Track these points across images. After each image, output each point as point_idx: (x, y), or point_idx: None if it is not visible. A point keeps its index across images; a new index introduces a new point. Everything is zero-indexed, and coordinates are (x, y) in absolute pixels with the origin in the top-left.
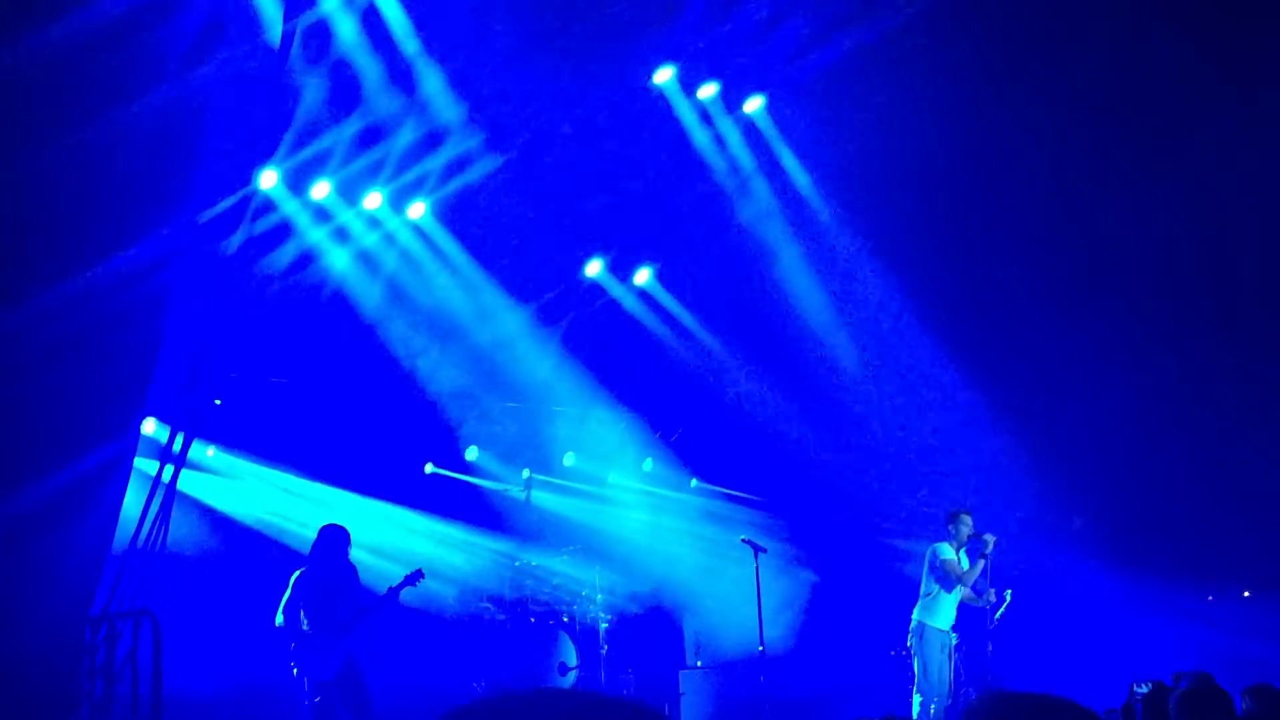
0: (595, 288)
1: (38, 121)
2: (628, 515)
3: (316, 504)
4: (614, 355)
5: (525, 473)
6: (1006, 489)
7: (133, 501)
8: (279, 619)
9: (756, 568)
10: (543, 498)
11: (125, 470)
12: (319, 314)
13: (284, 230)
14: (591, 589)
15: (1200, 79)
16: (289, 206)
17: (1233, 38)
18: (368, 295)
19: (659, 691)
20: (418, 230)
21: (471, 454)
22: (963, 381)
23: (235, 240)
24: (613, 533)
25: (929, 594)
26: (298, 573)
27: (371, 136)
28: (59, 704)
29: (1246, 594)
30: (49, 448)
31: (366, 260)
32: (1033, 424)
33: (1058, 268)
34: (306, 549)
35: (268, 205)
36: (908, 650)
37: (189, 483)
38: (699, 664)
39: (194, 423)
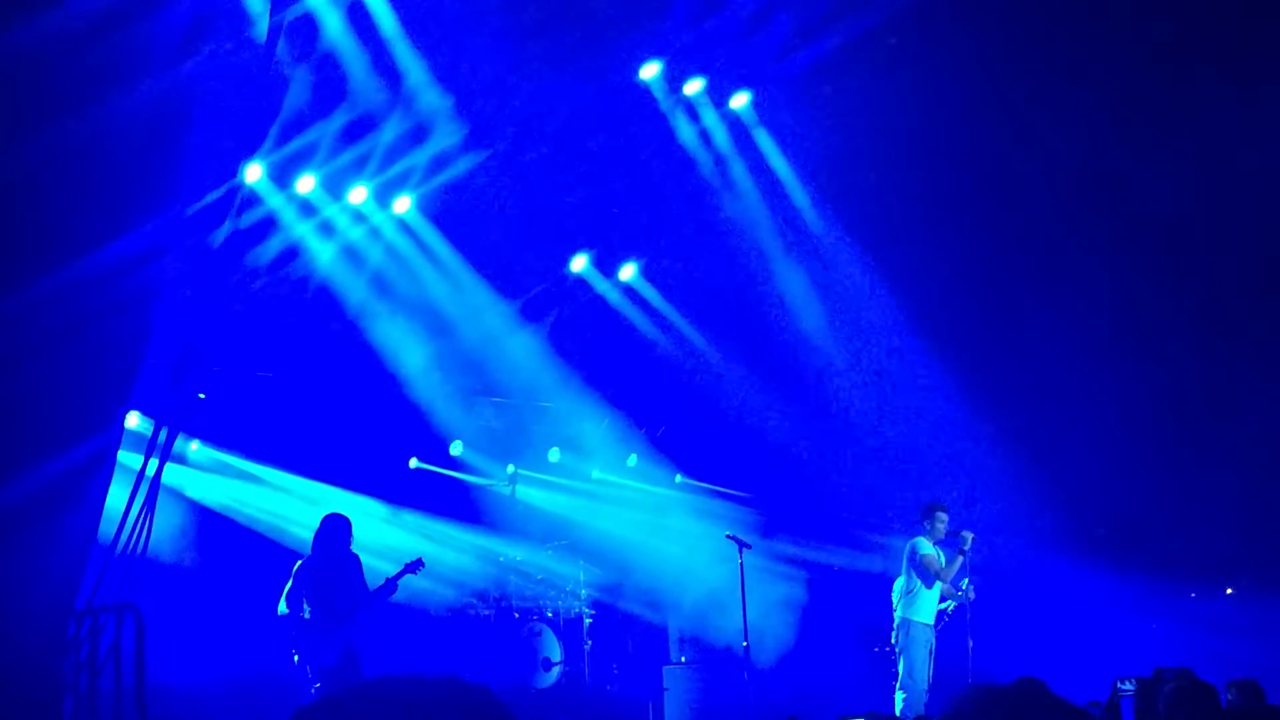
0: (581, 283)
1: (25, 114)
2: (612, 511)
3: (300, 499)
4: (599, 351)
5: (510, 468)
6: (988, 485)
7: (117, 495)
8: (281, 607)
9: (741, 563)
10: (527, 493)
11: (110, 464)
12: (304, 308)
13: (269, 224)
14: (576, 584)
15: (1191, 74)
16: (274, 200)
17: (1228, 33)
18: (353, 289)
19: (643, 687)
20: (403, 225)
21: (456, 449)
22: (946, 376)
23: (221, 234)
24: (597, 528)
25: (910, 590)
26: (299, 562)
27: (357, 130)
28: (43, 696)
29: (1229, 591)
30: (33, 441)
31: (351, 254)
32: (1015, 419)
33: (1043, 263)
34: (289, 543)
35: (253, 199)
36: (891, 646)
37: (173, 476)
38: (683, 659)
39: (178, 416)
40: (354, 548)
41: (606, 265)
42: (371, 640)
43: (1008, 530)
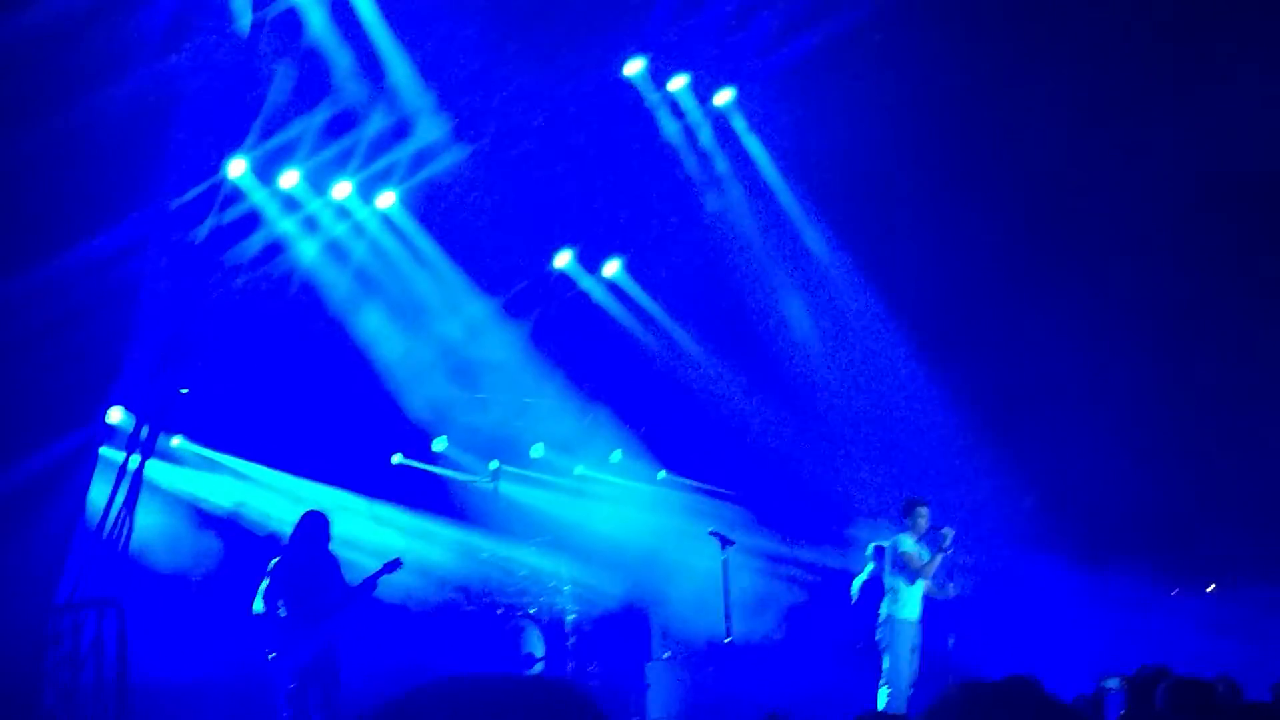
0: (565, 279)
1: (6, 110)
2: (596, 507)
3: (283, 494)
4: (582, 347)
5: (493, 464)
6: (969, 481)
7: (99, 490)
8: (257, 605)
9: (724, 560)
10: (511, 489)
11: (92, 459)
12: (287, 303)
13: (252, 220)
14: (559, 580)
15: (1167, 72)
16: (258, 196)
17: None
18: (337, 285)
19: (625, 683)
20: (387, 220)
21: (440, 445)
22: (930, 372)
23: (203, 229)
24: (581, 524)
25: (893, 588)
26: (276, 559)
27: (340, 126)
28: (24, 691)
29: (1211, 587)
30: (15, 436)
31: (335, 250)
32: (998, 415)
33: (1022, 260)
34: (272, 538)
35: (236, 194)
36: (875, 643)
37: (156, 472)
38: (666, 655)
39: (161, 412)
40: (338, 544)
41: (590, 261)
42: (353, 637)
43: (990, 527)
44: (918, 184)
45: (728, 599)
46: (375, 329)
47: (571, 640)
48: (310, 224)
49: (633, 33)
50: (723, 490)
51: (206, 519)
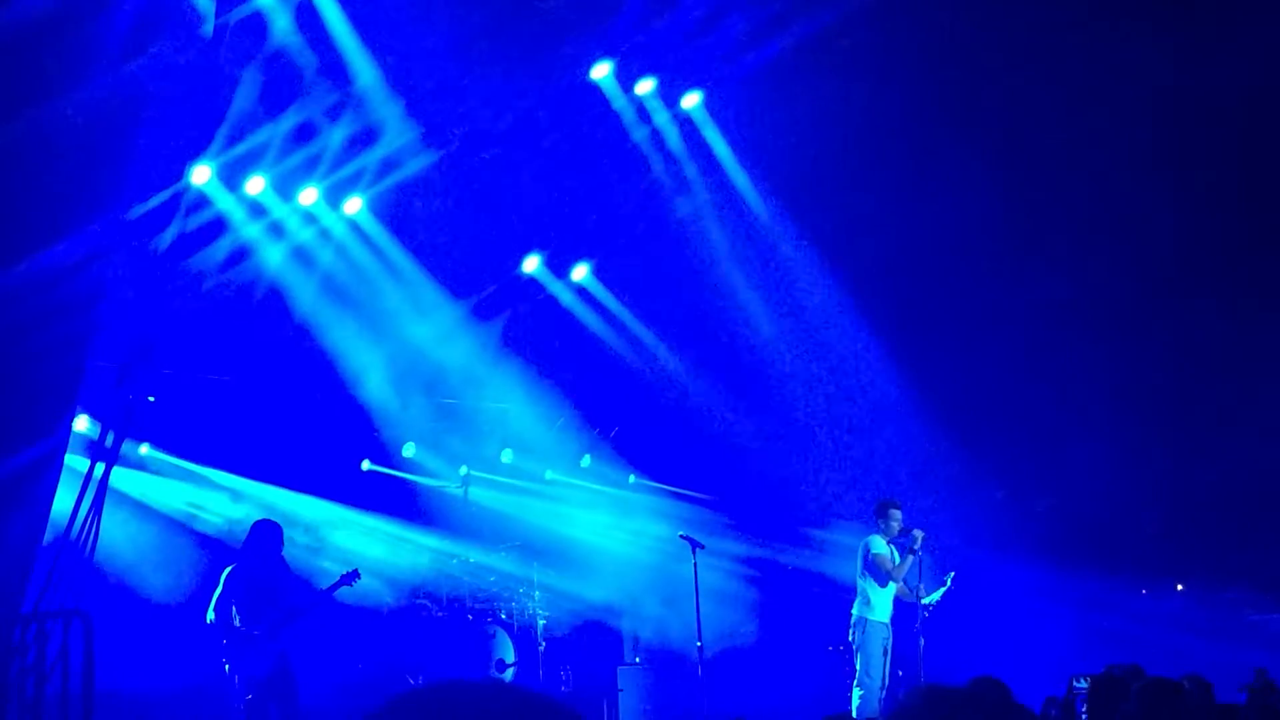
0: (533, 283)
1: None
2: (566, 512)
3: (252, 501)
4: (552, 351)
5: (463, 469)
6: (940, 482)
7: (64, 499)
8: (210, 615)
9: (695, 563)
10: (481, 494)
11: (56, 467)
12: (254, 310)
13: (218, 226)
14: (529, 586)
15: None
16: (223, 202)
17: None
18: (304, 291)
19: (597, 688)
20: (354, 226)
21: (409, 450)
22: (902, 375)
23: (168, 236)
24: (551, 529)
25: (865, 589)
26: (229, 568)
27: (307, 131)
28: None
29: (1180, 587)
30: None
31: (302, 256)
32: (968, 416)
33: (992, 259)
34: (238, 546)
35: (201, 201)
36: (847, 645)
37: (121, 480)
38: (637, 660)
39: (126, 419)
40: (307, 551)
41: (559, 266)
42: (320, 645)
43: (962, 529)
44: (885, 185)
45: (699, 602)
46: (343, 335)
47: (542, 646)
48: (276, 230)
49: (599, 37)
50: (694, 494)
51: (173, 526)
